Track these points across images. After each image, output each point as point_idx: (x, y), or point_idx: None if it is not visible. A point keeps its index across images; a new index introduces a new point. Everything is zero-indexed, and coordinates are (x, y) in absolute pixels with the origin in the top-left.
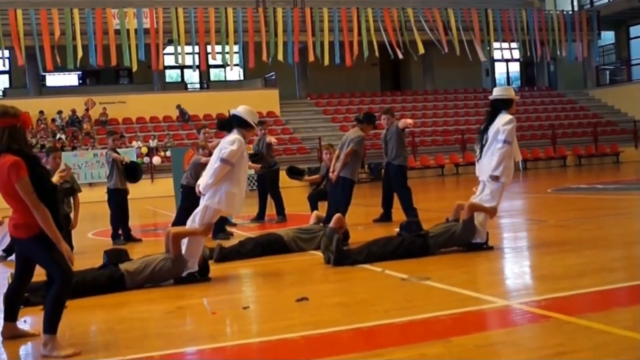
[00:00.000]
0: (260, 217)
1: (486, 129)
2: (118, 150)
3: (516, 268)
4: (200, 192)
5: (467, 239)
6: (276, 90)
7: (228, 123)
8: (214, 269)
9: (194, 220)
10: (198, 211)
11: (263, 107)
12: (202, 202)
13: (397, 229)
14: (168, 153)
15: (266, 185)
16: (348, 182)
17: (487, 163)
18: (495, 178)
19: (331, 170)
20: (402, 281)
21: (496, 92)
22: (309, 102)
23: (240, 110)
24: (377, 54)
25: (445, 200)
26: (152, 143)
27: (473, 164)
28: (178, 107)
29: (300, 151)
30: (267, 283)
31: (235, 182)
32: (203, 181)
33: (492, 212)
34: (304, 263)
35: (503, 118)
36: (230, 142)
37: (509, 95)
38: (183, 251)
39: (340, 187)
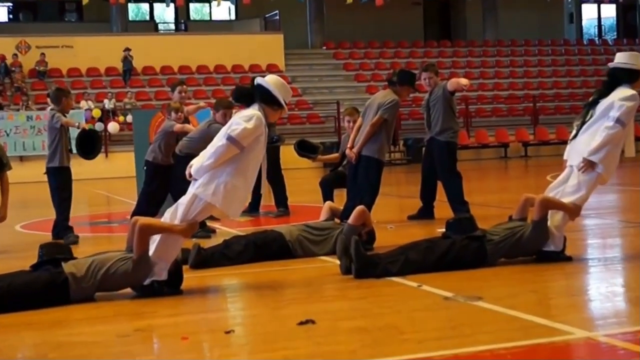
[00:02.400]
0: (253, 208)
1: (595, 102)
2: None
3: (603, 287)
4: (190, 176)
5: (537, 246)
6: (280, 36)
7: (249, 94)
8: (189, 277)
9: (175, 213)
10: (183, 201)
11: (262, 59)
12: (191, 189)
13: (442, 229)
14: (129, 118)
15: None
16: (374, 164)
17: (583, 143)
18: (589, 164)
19: (349, 144)
20: (445, 301)
21: (619, 59)
22: (324, 52)
23: (270, 80)
24: None
25: (509, 191)
26: (108, 104)
27: (547, 143)
28: (126, 51)
29: (311, 120)
30: (261, 299)
31: (241, 173)
32: (198, 162)
33: (573, 211)
34: (312, 272)
35: (622, 92)
36: (246, 118)
37: (636, 66)
38: (151, 251)
39: (363, 170)
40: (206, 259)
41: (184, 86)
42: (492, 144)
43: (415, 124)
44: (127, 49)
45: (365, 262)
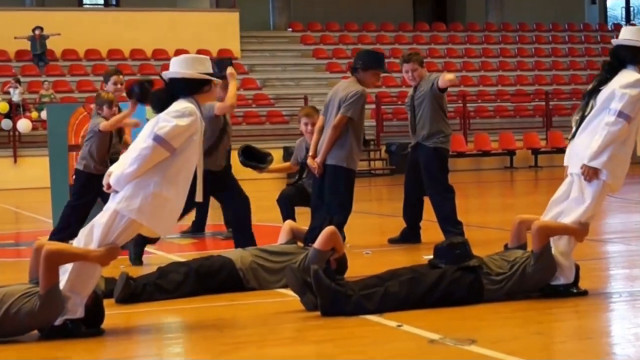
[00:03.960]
0: (197, 228)
1: (595, 91)
2: None
3: (625, 329)
4: (109, 187)
5: (543, 281)
6: (235, 14)
7: (169, 97)
8: (114, 314)
9: (91, 235)
10: (100, 221)
11: (212, 42)
12: (110, 204)
13: (430, 256)
14: (43, 114)
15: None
16: (342, 174)
17: (583, 144)
18: (592, 172)
19: (311, 152)
20: (431, 345)
21: (624, 35)
22: (290, 35)
23: (176, 64)
24: None
25: (514, 210)
26: (15, 95)
27: (562, 150)
28: (37, 30)
29: (272, 119)
30: (202, 342)
31: (172, 182)
32: (117, 169)
33: (579, 232)
34: (268, 308)
35: (625, 76)
36: (176, 113)
37: None
38: (62, 284)
39: (330, 182)
40: (136, 292)
41: (121, 76)
42: (494, 151)
43: (401, 125)
44: (38, 28)
45: (331, 295)
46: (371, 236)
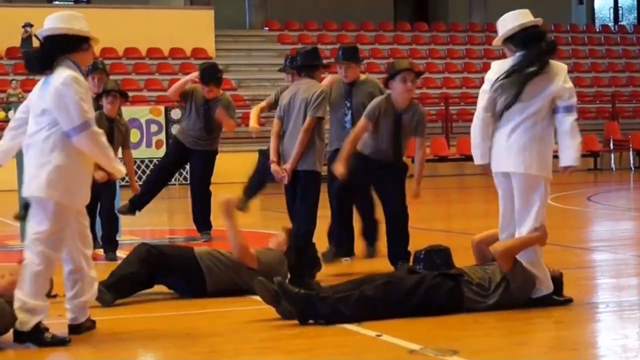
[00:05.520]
0: (135, 204)
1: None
2: None
3: (612, 340)
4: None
5: (527, 294)
6: (210, 11)
7: (36, 55)
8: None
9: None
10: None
11: (185, 40)
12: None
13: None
14: (11, 114)
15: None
16: (315, 179)
17: (517, 145)
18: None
19: (273, 158)
20: (411, 355)
21: (505, 22)
22: (266, 34)
23: (51, 21)
24: None
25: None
26: None
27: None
28: (25, 27)
29: (247, 121)
30: (174, 351)
31: (73, 152)
32: None
33: (539, 238)
34: (243, 317)
35: (559, 70)
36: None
37: (527, 23)
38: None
39: (305, 189)
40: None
41: (103, 74)
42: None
43: None
44: (28, 25)
45: (303, 301)
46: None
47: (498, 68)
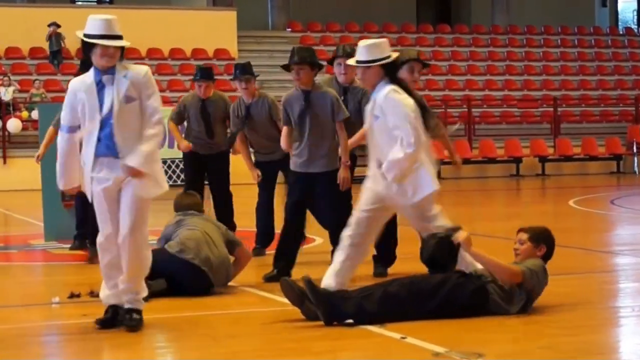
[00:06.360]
0: None
1: None
2: None
3: (639, 344)
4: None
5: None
6: (233, 13)
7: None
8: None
9: None
10: None
11: (208, 41)
12: None
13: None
14: (34, 113)
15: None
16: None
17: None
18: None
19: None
20: (436, 358)
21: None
22: (289, 36)
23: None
24: None
25: (520, 219)
26: (5, 94)
27: (570, 158)
28: (52, 26)
29: None
30: (194, 352)
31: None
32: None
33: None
34: (266, 318)
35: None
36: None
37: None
38: None
39: (330, 187)
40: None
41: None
42: (500, 159)
43: None
44: (54, 24)
45: (329, 300)
46: None
47: None
